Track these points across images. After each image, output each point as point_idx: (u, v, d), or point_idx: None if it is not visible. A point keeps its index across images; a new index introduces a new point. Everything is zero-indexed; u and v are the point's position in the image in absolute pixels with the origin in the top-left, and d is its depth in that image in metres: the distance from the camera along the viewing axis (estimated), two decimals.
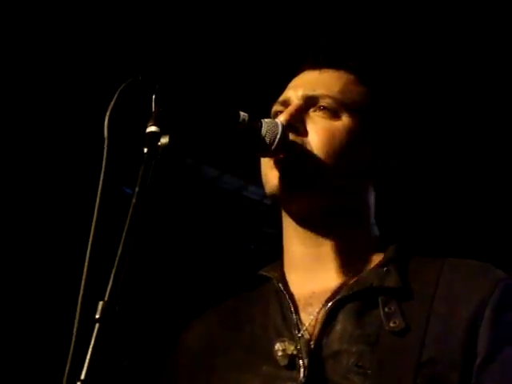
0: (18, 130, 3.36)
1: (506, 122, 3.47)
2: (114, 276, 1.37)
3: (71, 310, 1.40)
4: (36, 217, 3.49)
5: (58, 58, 3.17)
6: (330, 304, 1.72)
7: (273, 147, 1.72)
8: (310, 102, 1.82)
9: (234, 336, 1.82)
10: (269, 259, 1.93)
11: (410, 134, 2.01)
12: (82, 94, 3.23)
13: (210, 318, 1.92)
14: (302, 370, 1.66)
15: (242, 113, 1.71)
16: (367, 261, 1.80)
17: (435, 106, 3.41)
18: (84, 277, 1.42)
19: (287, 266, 1.85)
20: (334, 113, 1.81)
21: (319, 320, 1.71)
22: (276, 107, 1.87)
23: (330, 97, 1.81)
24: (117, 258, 1.40)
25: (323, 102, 1.81)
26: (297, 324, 1.73)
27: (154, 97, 1.55)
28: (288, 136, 1.76)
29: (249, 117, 1.72)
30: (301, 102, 1.82)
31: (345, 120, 1.81)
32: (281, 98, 1.88)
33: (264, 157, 1.80)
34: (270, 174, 1.79)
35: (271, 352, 1.70)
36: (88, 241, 1.44)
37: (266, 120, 1.74)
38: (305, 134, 1.79)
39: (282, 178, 1.77)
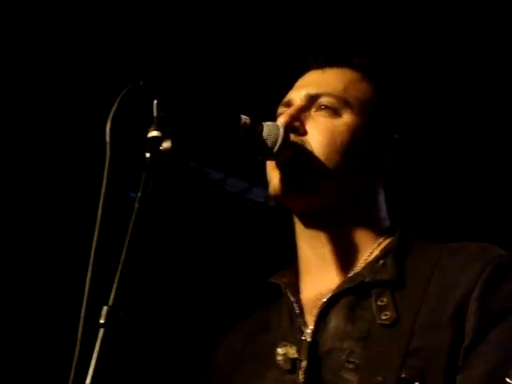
0: (21, 136, 3.36)
1: (509, 115, 3.46)
2: (118, 281, 1.38)
3: (75, 315, 1.40)
4: (40, 222, 3.50)
5: (60, 63, 3.17)
6: (322, 301, 1.72)
7: (275, 150, 1.72)
8: (312, 102, 1.82)
9: (251, 347, 1.85)
10: (275, 262, 1.94)
11: (415, 128, 1.99)
12: (83, 100, 3.24)
13: (237, 331, 1.95)
14: (300, 372, 1.67)
15: (243, 116, 1.71)
16: (368, 256, 1.79)
17: (440, 100, 3.40)
18: (88, 282, 1.42)
19: (300, 270, 1.86)
20: (335, 111, 1.80)
21: (315, 320, 1.72)
22: (280, 109, 1.88)
23: (331, 95, 1.81)
24: (121, 263, 1.40)
25: (324, 101, 1.81)
26: (300, 327, 1.73)
27: (155, 101, 1.56)
28: (289, 137, 1.76)
29: (250, 120, 1.72)
30: (303, 102, 1.83)
31: (346, 118, 1.80)
32: (284, 100, 1.88)
33: (267, 160, 1.80)
34: (272, 174, 1.80)
35: (276, 357, 1.71)
36: (92, 246, 1.44)
37: (267, 123, 1.75)
38: (305, 133, 1.79)
39: (282, 179, 1.77)
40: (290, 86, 1.92)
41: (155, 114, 1.55)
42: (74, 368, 1.36)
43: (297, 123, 1.79)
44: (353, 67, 1.87)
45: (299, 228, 1.85)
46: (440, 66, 3.28)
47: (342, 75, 1.86)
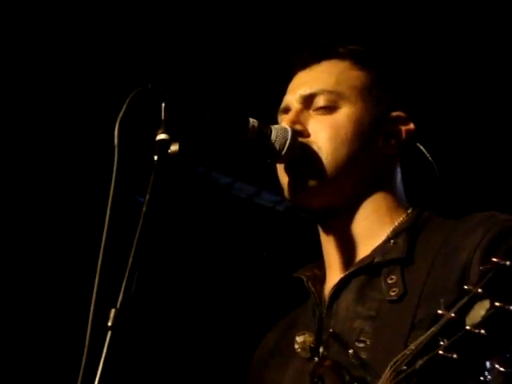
0: (31, 140, 3.37)
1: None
2: (126, 284, 1.38)
3: (83, 318, 1.40)
4: (49, 225, 3.50)
5: (68, 66, 3.18)
6: (333, 285, 1.75)
7: (283, 152, 1.72)
8: (308, 102, 1.82)
9: (282, 343, 1.86)
10: (283, 265, 1.94)
11: (417, 101, 1.98)
12: (92, 103, 3.24)
13: (273, 330, 1.97)
14: (317, 359, 1.67)
15: (251, 119, 1.71)
16: (386, 235, 1.79)
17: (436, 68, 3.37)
18: (96, 284, 1.42)
19: (326, 264, 1.86)
20: (333, 106, 1.80)
21: (327, 305, 1.74)
22: (279, 116, 1.87)
23: (325, 91, 1.81)
24: (128, 266, 1.40)
25: (320, 99, 1.81)
26: (320, 315, 1.75)
27: (163, 105, 1.56)
28: (297, 140, 1.76)
29: (258, 123, 1.72)
30: (299, 104, 1.83)
31: (345, 109, 1.80)
32: (282, 107, 1.88)
33: (276, 162, 1.80)
34: (283, 178, 1.81)
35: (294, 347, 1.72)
36: (100, 249, 1.44)
37: (275, 126, 1.74)
38: (309, 135, 1.79)
39: (294, 182, 1.78)
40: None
41: (163, 117, 1.55)
42: (82, 370, 1.36)
43: (299, 126, 1.79)
44: (339, 57, 1.87)
45: (319, 224, 1.86)
46: (429, 39, 3.26)
47: (331, 67, 1.86)
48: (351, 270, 1.74)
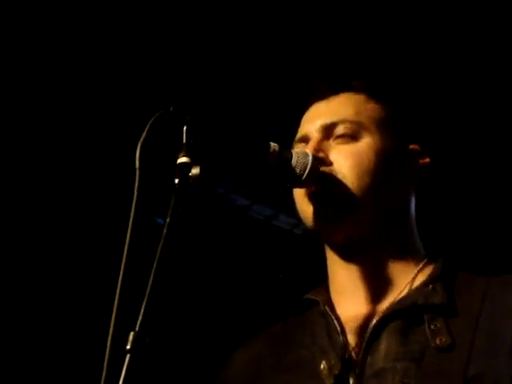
0: (56, 161, 3.39)
1: None
2: (145, 306, 1.37)
3: (102, 341, 1.40)
4: (69, 247, 3.52)
5: (91, 88, 3.20)
6: (373, 322, 1.72)
7: (303, 177, 1.72)
8: (329, 132, 1.82)
9: (282, 358, 1.83)
10: (299, 288, 1.93)
11: (434, 133, 2.00)
12: (114, 125, 3.26)
13: (258, 342, 1.93)
14: None
15: (272, 144, 1.71)
16: (412, 279, 1.78)
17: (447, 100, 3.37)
18: (115, 307, 1.42)
19: (333, 289, 1.85)
20: (354, 136, 1.81)
21: (364, 340, 1.71)
22: (296, 146, 1.87)
23: (347, 121, 1.82)
24: (148, 289, 1.40)
25: (341, 128, 1.81)
26: (343, 344, 1.73)
27: (185, 128, 1.56)
28: (318, 166, 1.75)
29: (279, 147, 1.72)
30: (320, 134, 1.83)
31: (366, 139, 1.81)
32: (299, 136, 1.88)
33: (295, 187, 1.80)
34: (307, 208, 1.80)
35: (317, 371, 1.71)
36: (120, 271, 1.44)
37: (296, 150, 1.75)
38: (331, 163, 1.79)
39: (317, 212, 1.78)
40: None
41: (185, 140, 1.56)
42: None
43: (321, 154, 1.79)
44: (356, 90, 1.88)
45: (333, 255, 1.84)
46: (442, 70, 3.26)
47: (349, 100, 1.87)
48: (392, 309, 1.72)
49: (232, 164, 1.67)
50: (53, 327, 3.49)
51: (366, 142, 1.80)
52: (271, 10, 3.06)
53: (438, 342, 1.65)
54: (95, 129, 3.31)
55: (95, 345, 1.65)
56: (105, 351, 1.39)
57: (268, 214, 3.72)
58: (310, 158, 1.73)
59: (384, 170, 1.80)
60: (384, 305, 1.75)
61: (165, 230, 1.46)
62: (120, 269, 1.45)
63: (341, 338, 1.74)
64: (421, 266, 1.81)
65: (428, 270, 1.80)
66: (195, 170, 1.54)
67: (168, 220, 1.46)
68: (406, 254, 1.82)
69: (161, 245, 1.45)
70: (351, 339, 1.74)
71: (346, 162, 1.78)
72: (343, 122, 1.82)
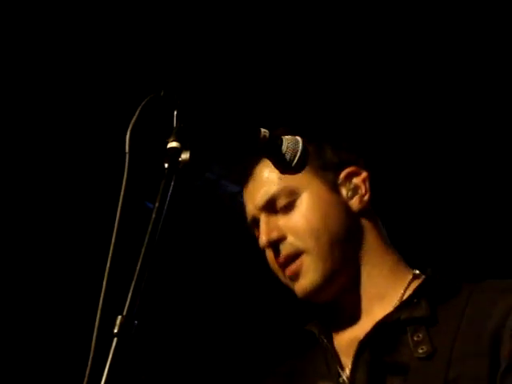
0: (42, 145, 3.38)
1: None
2: (133, 290, 1.38)
3: (89, 325, 1.40)
4: (57, 231, 3.51)
5: (81, 73, 3.19)
6: (360, 340, 1.78)
7: (293, 164, 1.72)
8: (269, 206, 1.89)
9: None
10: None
11: (367, 155, 2.02)
12: (104, 109, 3.25)
13: (272, 377, 1.99)
14: None
15: (262, 129, 1.71)
16: (401, 296, 1.85)
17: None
18: (103, 291, 1.42)
19: (330, 319, 1.92)
20: (291, 203, 1.87)
21: (353, 359, 1.78)
22: (254, 230, 1.95)
23: (273, 195, 1.88)
24: (136, 273, 1.40)
25: (276, 204, 1.88)
26: (337, 369, 1.80)
27: (175, 112, 1.56)
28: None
29: (269, 133, 1.72)
30: (263, 213, 1.90)
31: (303, 198, 1.87)
32: (249, 220, 1.96)
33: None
34: (288, 283, 1.90)
35: None
36: (108, 255, 1.44)
37: (286, 137, 1.74)
38: (286, 236, 1.86)
39: (301, 289, 1.86)
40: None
41: (175, 124, 1.56)
42: (87, 378, 1.36)
43: (275, 234, 1.86)
44: (261, 155, 1.87)
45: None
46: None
47: (266, 167, 1.91)
48: (377, 326, 1.78)
49: (222, 149, 1.67)
50: (39, 311, 3.48)
51: (305, 202, 1.86)
52: None
53: (420, 351, 1.71)
54: (86, 112, 3.29)
55: (83, 329, 1.65)
56: (92, 335, 1.39)
57: None
58: (301, 144, 1.72)
59: (332, 213, 1.86)
60: (373, 324, 1.80)
61: (153, 215, 1.46)
62: (109, 253, 1.45)
63: (335, 363, 1.81)
64: (408, 281, 1.87)
65: (415, 284, 1.86)
66: (185, 155, 1.53)
67: (157, 205, 1.46)
68: (389, 276, 1.87)
69: (149, 229, 1.45)
70: (345, 361, 1.81)
71: (297, 231, 1.85)
72: (273, 197, 1.88)
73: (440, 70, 3.18)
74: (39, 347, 3.47)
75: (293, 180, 1.85)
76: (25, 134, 3.32)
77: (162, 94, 1.56)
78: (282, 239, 1.86)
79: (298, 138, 1.74)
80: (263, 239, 1.88)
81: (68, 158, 3.40)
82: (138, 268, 1.41)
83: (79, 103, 3.27)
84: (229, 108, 1.75)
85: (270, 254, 1.91)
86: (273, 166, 1.82)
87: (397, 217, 2.07)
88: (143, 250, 1.42)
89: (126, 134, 1.51)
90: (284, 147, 1.71)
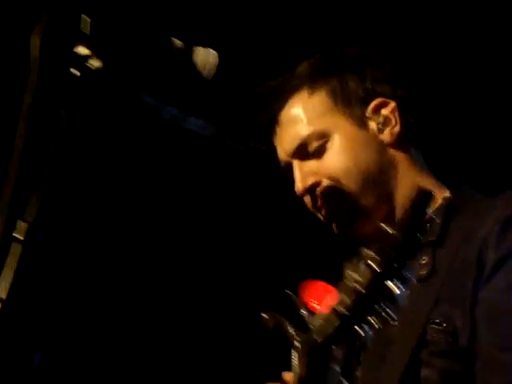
0: None
1: None
2: (36, 195, 1.37)
3: None
4: None
5: None
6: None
7: (205, 75, 1.71)
8: (301, 152, 1.88)
9: None
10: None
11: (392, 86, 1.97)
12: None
13: None
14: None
15: (176, 40, 1.69)
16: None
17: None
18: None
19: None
20: (323, 144, 1.85)
21: None
22: (288, 175, 1.93)
23: (305, 140, 1.86)
24: (43, 178, 1.39)
25: (309, 147, 1.86)
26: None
27: (83, 16, 1.52)
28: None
29: (184, 45, 1.70)
30: (295, 158, 1.88)
31: (335, 139, 1.85)
32: (282, 165, 1.94)
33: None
34: (331, 225, 1.89)
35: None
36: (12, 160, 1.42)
37: (200, 48, 1.73)
38: (321, 181, 1.86)
39: (341, 228, 1.88)
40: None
41: (85, 30, 1.52)
42: None
43: (311, 179, 1.86)
44: (296, 90, 1.90)
45: None
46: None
47: (295, 109, 1.89)
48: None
49: (133, 57, 1.65)
50: None
51: (336, 144, 1.84)
52: None
53: (421, 273, 1.74)
54: None
55: None
56: None
57: (176, 114, 3.68)
58: (213, 56, 1.71)
59: (365, 151, 1.85)
60: None
61: (62, 122, 1.44)
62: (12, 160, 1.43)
63: None
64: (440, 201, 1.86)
65: (438, 205, 1.84)
66: (97, 63, 1.51)
67: (64, 111, 1.44)
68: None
69: (57, 137, 1.43)
70: None
71: (333, 173, 1.84)
72: (305, 141, 1.86)
73: None
74: None
75: (321, 123, 1.85)
76: None
77: None
78: (317, 184, 1.87)
79: (211, 50, 1.73)
80: (299, 187, 1.88)
81: None
82: (45, 174, 1.40)
83: None
84: (142, 16, 1.72)
85: (307, 199, 1.90)
86: (299, 111, 1.88)
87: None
88: (50, 158, 1.41)
89: (31, 38, 1.48)
90: (198, 59, 1.70)
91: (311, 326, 1.54)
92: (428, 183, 1.89)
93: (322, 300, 1.59)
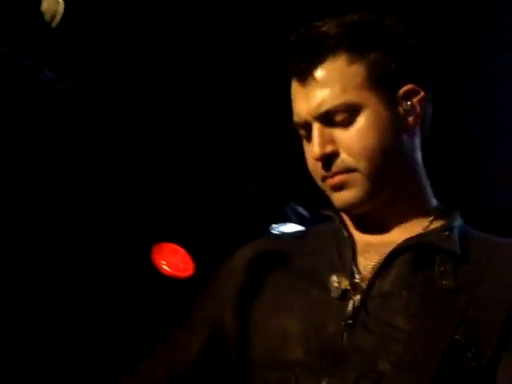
0: None
1: None
2: None
3: None
4: None
5: None
6: (389, 250, 1.78)
7: (53, 25, 1.65)
8: (324, 118, 1.81)
9: (289, 262, 1.88)
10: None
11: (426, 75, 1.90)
12: None
13: (264, 243, 1.97)
14: (351, 303, 1.73)
15: None
16: (427, 226, 1.85)
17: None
18: None
19: (348, 223, 1.90)
20: (350, 116, 1.79)
21: (376, 264, 1.77)
22: (300, 130, 1.86)
23: (337, 106, 1.79)
24: None
25: (336, 116, 1.80)
26: (353, 263, 1.79)
27: None
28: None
29: None
30: (317, 122, 1.81)
31: (363, 114, 1.79)
32: (298, 121, 1.85)
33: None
34: (330, 195, 1.84)
35: (324, 282, 1.77)
36: None
37: None
38: (339, 152, 1.81)
39: (340, 201, 1.83)
40: None
41: None
42: None
43: (329, 147, 1.80)
44: (333, 53, 1.81)
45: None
46: None
47: (330, 73, 1.80)
48: (411, 241, 1.79)
49: None
50: None
51: (364, 119, 1.79)
52: None
53: (444, 282, 1.72)
54: None
55: None
56: None
57: (31, 65, 3.58)
58: (61, 5, 1.65)
59: (389, 133, 1.81)
60: (400, 238, 1.80)
61: None
62: None
63: (350, 255, 1.80)
64: (434, 216, 1.86)
65: (442, 220, 1.85)
66: None
67: None
68: (419, 204, 1.87)
69: None
70: (360, 261, 1.80)
71: (353, 148, 1.79)
72: (335, 108, 1.79)
73: None
74: None
75: (356, 95, 1.77)
76: None
77: None
78: (335, 154, 1.80)
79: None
80: (316, 151, 1.79)
81: None
82: None
83: None
84: None
85: (317, 164, 1.83)
86: (337, 76, 1.79)
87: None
88: None
89: None
90: (44, 7, 1.63)
91: None
92: (429, 189, 1.92)
93: (172, 262, 1.57)
